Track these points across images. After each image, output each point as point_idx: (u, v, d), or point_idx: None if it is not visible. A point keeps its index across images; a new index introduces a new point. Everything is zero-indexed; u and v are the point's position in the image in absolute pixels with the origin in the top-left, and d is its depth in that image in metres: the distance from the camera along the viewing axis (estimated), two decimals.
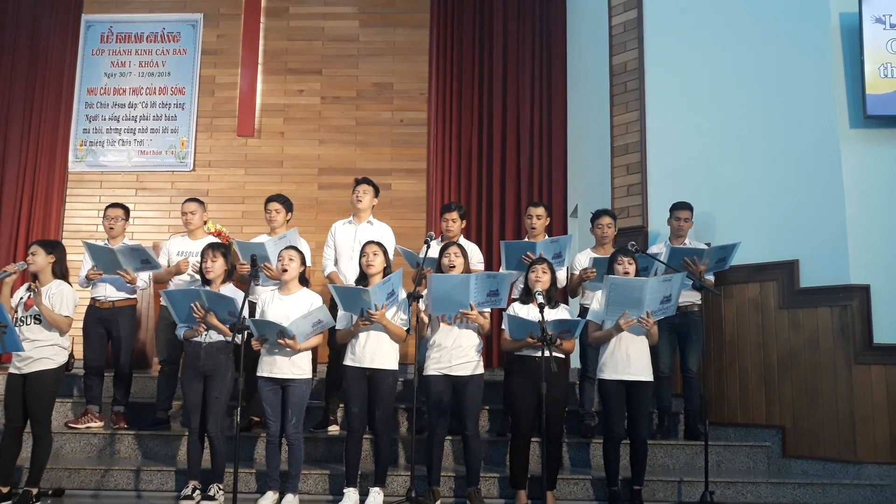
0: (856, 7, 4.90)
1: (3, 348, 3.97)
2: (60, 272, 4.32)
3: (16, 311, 4.17)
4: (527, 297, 4.25)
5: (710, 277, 5.00)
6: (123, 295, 5.04)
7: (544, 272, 4.22)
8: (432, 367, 4.17)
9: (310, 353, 4.23)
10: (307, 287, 4.34)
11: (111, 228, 5.12)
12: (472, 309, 4.05)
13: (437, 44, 7.94)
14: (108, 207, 5.20)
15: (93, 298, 5.08)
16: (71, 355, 4.42)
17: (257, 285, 4.69)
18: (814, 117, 5.00)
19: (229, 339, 4.09)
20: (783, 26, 5.21)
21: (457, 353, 4.14)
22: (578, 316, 5.06)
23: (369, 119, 8.01)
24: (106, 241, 5.13)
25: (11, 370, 4.15)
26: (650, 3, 5.83)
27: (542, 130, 7.66)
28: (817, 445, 4.76)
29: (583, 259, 5.05)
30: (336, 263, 5.03)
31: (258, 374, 4.17)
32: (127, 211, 5.25)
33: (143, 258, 4.87)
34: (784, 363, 4.98)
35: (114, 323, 5.02)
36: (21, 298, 4.21)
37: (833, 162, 4.88)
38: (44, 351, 4.13)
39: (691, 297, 4.91)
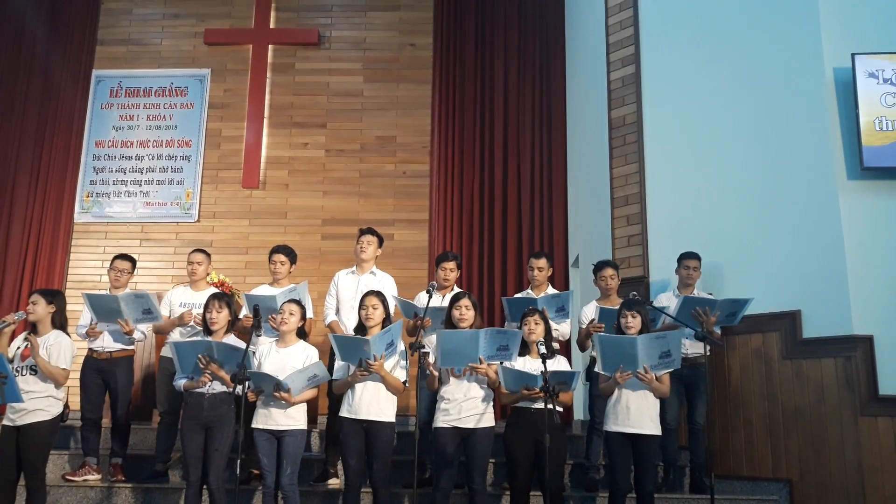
0: (849, 62, 5.02)
1: (2, 399, 3.95)
2: (60, 322, 4.30)
3: (12, 361, 4.11)
4: (522, 349, 4.21)
5: (718, 331, 4.97)
6: (121, 346, 4.99)
7: (537, 323, 4.21)
8: (442, 420, 4.11)
9: (305, 404, 4.20)
10: (305, 339, 4.34)
11: (116, 279, 5.13)
12: (481, 363, 4.03)
13: (440, 98, 8.11)
14: (115, 259, 5.20)
15: (90, 349, 5.02)
16: (66, 405, 4.38)
17: (259, 336, 4.68)
18: (812, 169, 5.07)
19: (231, 389, 4.07)
20: (779, 81, 5.31)
21: (466, 405, 4.08)
22: (588, 366, 5.04)
23: (372, 171, 8.12)
24: (108, 291, 5.14)
25: (5, 422, 4.08)
26: (648, 59, 5.96)
27: (542, 182, 7.76)
28: (826, 499, 4.67)
29: (589, 311, 5.03)
30: (337, 313, 5.03)
31: (253, 425, 4.13)
32: (134, 263, 5.26)
33: (146, 307, 4.84)
34: (789, 415, 4.92)
35: (111, 374, 4.97)
36: (18, 348, 4.17)
37: (832, 213, 4.92)
38: (38, 402, 4.10)
39: (701, 349, 4.79)
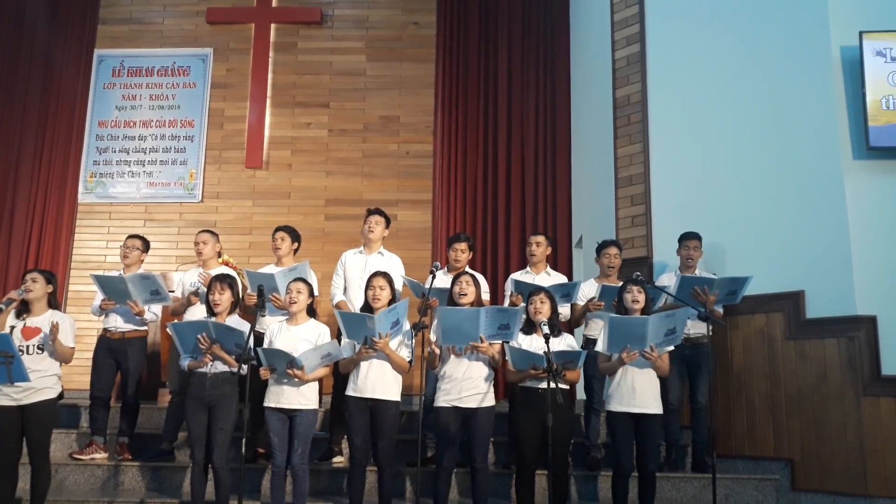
0: (856, 41, 4.96)
1: (9, 379, 3.97)
2: (54, 303, 4.33)
3: None
4: (528, 328, 4.23)
5: (720, 309, 4.98)
6: (133, 326, 5.05)
7: (542, 302, 4.20)
8: (442, 399, 4.14)
9: (317, 383, 4.23)
10: (315, 318, 4.36)
11: (125, 256, 5.15)
12: (482, 341, 4.03)
13: (443, 78, 8.05)
14: (128, 237, 5.24)
15: (104, 328, 5.09)
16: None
17: (263, 316, 4.70)
18: (817, 149, 5.04)
19: (235, 369, 4.09)
20: (785, 60, 5.27)
21: (467, 384, 4.10)
22: (582, 346, 5.06)
23: (376, 151, 8.09)
24: (120, 272, 5.16)
25: (4, 402, 4.06)
26: (653, 38, 5.91)
27: (546, 162, 7.74)
28: (827, 479, 4.70)
29: (587, 289, 5.03)
30: (345, 292, 5.04)
31: (265, 403, 4.17)
32: (146, 243, 5.26)
33: (153, 289, 4.87)
34: (792, 395, 4.94)
35: (123, 353, 5.02)
36: (13, 327, 4.15)
37: (837, 193, 4.90)
38: (46, 381, 4.13)
39: (703, 329, 4.83)
